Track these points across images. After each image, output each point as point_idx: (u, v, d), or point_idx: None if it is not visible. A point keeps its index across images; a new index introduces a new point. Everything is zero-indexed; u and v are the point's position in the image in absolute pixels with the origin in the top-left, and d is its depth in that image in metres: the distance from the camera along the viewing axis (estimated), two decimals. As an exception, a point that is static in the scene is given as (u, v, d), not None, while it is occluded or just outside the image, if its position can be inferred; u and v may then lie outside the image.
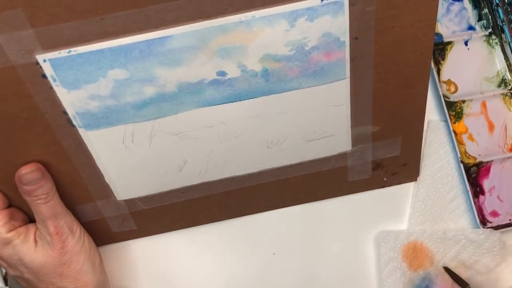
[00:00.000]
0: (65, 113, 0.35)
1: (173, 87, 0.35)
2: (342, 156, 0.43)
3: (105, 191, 0.41)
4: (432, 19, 0.35)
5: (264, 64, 0.35)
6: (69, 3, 0.30)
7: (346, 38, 0.34)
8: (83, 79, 0.33)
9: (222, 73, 0.35)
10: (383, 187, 0.47)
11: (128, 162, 0.39)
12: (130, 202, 0.43)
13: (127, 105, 0.35)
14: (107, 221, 0.44)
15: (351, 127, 0.41)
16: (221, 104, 0.37)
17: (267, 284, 0.46)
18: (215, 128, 0.38)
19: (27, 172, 0.37)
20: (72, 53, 0.32)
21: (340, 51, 0.35)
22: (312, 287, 0.46)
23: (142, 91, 0.35)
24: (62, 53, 0.32)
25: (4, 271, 0.48)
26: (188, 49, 0.33)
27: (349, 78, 0.37)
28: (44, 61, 0.32)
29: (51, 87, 0.33)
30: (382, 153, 0.44)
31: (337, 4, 0.32)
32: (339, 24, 0.33)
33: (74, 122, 0.36)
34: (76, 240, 0.40)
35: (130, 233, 0.46)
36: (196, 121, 0.37)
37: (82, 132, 0.36)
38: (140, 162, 0.39)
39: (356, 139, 0.42)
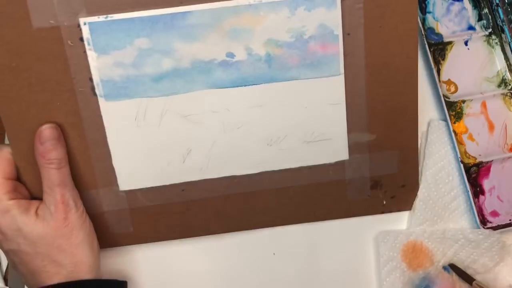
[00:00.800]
0: (90, 79, 0.40)
1: (187, 62, 0.40)
2: (340, 166, 0.45)
3: (109, 177, 0.43)
4: (414, 22, 0.40)
5: (267, 49, 0.40)
6: (115, -27, 0.37)
7: (339, 32, 0.40)
8: (112, 45, 0.39)
9: (230, 55, 0.40)
10: (382, 212, 0.46)
11: (136, 144, 0.42)
12: (131, 194, 0.44)
13: (146, 77, 0.40)
14: (105, 217, 0.44)
15: (348, 132, 0.43)
16: (228, 87, 0.41)
17: (267, 284, 0.46)
18: (221, 114, 0.42)
19: (47, 128, 0.40)
20: (108, 19, 0.38)
21: (334, 44, 0.41)
22: (311, 287, 0.46)
23: (161, 63, 0.40)
24: (101, 18, 0.38)
25: (4, 270, 0.47)
26: (204, 26, 0.39)
27: (343, 75, 0.42)
28: (85, 24, 0.38)
29: (84, 51, 0.39)
30: (380, 168, 0.45)
31: (331, -2, 0.39)
32: (332, 17, 0.40)
33: (96, 90, 0.40)
34: (79, 215, 0.41)
35: (125, 237, 0.45)
36: (204, 103, 0.41)
37: (102, 102, 0.41)
38: (148, 144, 0.42)
39: (353, 148, 0.44)
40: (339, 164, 0.45)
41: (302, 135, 0.43)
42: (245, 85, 0.41)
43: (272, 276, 0.46)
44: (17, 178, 0.42)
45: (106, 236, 0.45)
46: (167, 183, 0.44)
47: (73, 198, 0.41)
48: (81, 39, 0.39)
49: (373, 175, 0.45)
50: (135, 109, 0.41)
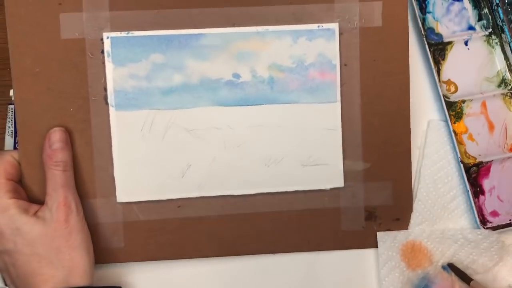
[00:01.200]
0: (104, 89, 0.43)
1: (196, 79, 0.43)
2: (335, 194, 0.45)
3: (108, 187, 0.44)
4: (405, 58, 0.44)
5: (271, 72, 0.44)
6: (139, -4, 0.43)
7: (337, 62, 0.44)
8: (129, 58, 0.43)
9: (236, 76, 0.44)
10: (377, 246, 0.46)
11: (139, 155, 0.44)
12: (127, 207, 0.44)
13: (156, 89, 0.43)
14: (98, 229, 0.44)
15: (343, 158, 0.45)
16: (232, 106, 0.44)
17: (267, 284, 0.46)
18: (223, 131, 0.44)
19: (57, 130, 0.42)
20: (129, 34, 0.43)
21: (332, 73, 0.44)
22: (311, 286, 0.46)
23: (172, 77, 0.43)
24: (122, 33, 0.43)
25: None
26: (215, 47, 0.43)
27: (340, 103, 0.44)
28: (107, 38, 0.43)
29: (103, 62, 0.43)
30: (374, 198, 0.45)
31: (330, 31, 0.44)
32: (331, 48, 0.44)
33: (108, 100, 0.43)
34: (79, 219, 0.41)
35: (115, 254, 0.45)
36: (208, 119, 0.44)
37: (112, 111, 0.43)
38: (150, 156, 0.44)
39: (348, 175, 0.45)
40: (334, 192, 0.45)
41: (299, 157, 0.45)
42: (248, 105, 0.44)
43: (272, 276, 0.46)
44: (19, 182, 0.43)
45: (96, 251, 0.44)
46: (164, 197, 0.45)
47: (75, 202, 0.42)
48: (102, 52, 0.43)
49: (368, 205, 0.46)
50: (142, 119, 0.43)
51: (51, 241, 0.40)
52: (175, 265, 0.46)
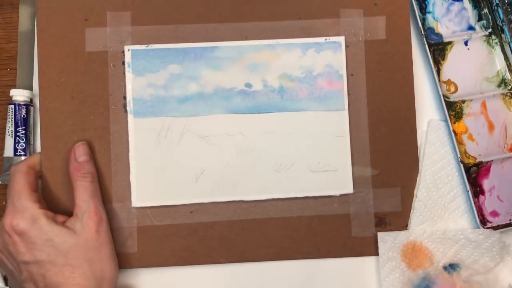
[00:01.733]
0: (124, 98, 0.46)
1: (210, 88, 0.46)
2: (345, 200, 0.46)
3: (124, 192, 0.45)
4: (409, 69, 0.47)
5: (281, 82, 0.46)
6: (158, 13, 0.46)
7: (343, 72, 0.46)
8: (148, 68, 0.46)
9: (248, 85, 0.46)
10: (388, 253, 0.46)
11: (155, 160, 0.45)
12: (141, 212, 0.45)
13: (172, 98, 0.46)
14: (113, 234, 0.45)
15: (352, 165, 0.46)
16: (244, 113, 0.46)
17: (267, 284, 0.46)
18: (235, 137, 0.46)
19: (81, 144, 0.44)
20: (149, 47, 0.46)
21: (339, 82, 0.46)
22: (311, 286, 0.46)
23: (187, 86, 0.46)
24: (142, 46, 0.46)
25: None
26: (228, 59, 0.46)
27: (347, 111, 0.46)
28: (128, 50, 0.46)
29: (123, 72, 0.46)
30: (384, 205, 0.46)
31: (336, 44, 0.46)
32: (338, 60, 0.46)
33: (127, 107, 0.46)
34: (107, 230, 0.43)
35: (129, 259, 0.45)
36: (222, 126, 0.46)
37: (130, 118, 0.46)
38: (165, 161, 0.45)
39: (357, 181, 0.46)
40: (344, 198, 0.46)
41: (308, 163, 0.46)
42: (259, 112, 0.46)
43: (272, 276, 0.46)
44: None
45: (110, 255, 0.45)
46: (178, 203, 0.46)
47: (104, 213, 0.43)
48: (123, 63, 0.46)
49: (377, 211, 0.46)
50: (159, 126, 0.46)
51: (84, 253, 0.40)
52: (183, 269, 0.46)
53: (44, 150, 0.45)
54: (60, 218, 0.42)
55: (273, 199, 0.46)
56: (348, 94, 0.46)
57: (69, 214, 0.43)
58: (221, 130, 0.46)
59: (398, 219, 0.46)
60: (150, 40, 0.46)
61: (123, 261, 0.45)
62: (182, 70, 0.46)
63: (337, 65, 0.46)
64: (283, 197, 0.46)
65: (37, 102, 0.47)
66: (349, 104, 0.46)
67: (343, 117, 0.46)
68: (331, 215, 0.46)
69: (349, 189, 0.46)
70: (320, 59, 0.46)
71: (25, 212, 0.40)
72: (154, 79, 0.46)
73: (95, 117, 0.46)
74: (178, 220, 0.46)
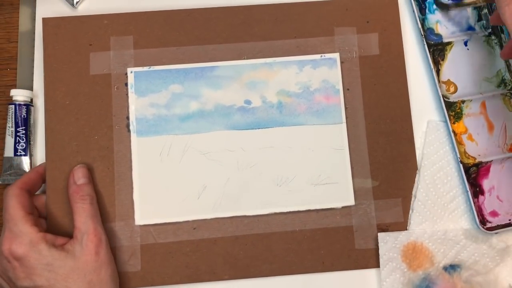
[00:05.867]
0: (127, 118, 0.47)
1: (211, 106, 0.47)
2: (347, 212, 0.46)
3: (127, 210, 0.46)
4: (404, 81, 0.48)
5: (279, 98, 0.47)
6: (159, 36, 0.48)
7: (340, 87, 0.48)
8: (150, 89, 0.47)
9: (248, 102, 0.47)
10: (393, 264, 0.45)
11: (157, 178, 0.46)
12: (144, 230, 0.46)
13: (174, 116, 0.47)
14: (116, 253, 0.45)
15: (352, 177, 0.47)
16: (244, 129, 0.47)
17: (267, 284, 0.45)
18: (236, 153, 0.47)
19: (80, 167, 0.45)
20: (150, 69, 0.47)
21: (336, 96, 0.47)
22: (311, 286, 0.45)
23: (189, 105, 0.47)
24: (145, 68, 0.48)
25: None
26: (228, 78, 0.47)
27: (345, 124, 0.47)
28: (131, 72, 0.47)
29: (127, 94, 0.47)
30: (386, 216, 0.46)
31: (332, 60, 0.48)
32: (334, 75, 0.48)
33: (131, 127, 0.47)
34: (107, 250, 0.43)
35: (132, 278, 0.45)
36: (222, 142, 0.47)
37: (133, 137, 0.47)
38: (168, 179, 0.46)
39: (358, 193, 0.46)
40: (346, 210, 0.46)
41: (309, 177, 0.47)
42: (259, 128, 0.47)
43: (272, 276, 0.45)
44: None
45: (114, 275, 0.45)
46: (181, 219, 0.46)
47: (104, 234, 0.43)
48: (126, 84, 0.47)
49: (380, 222, 0.46)
50: (161, 144, 0.47)
51: (83, 276, 0.40)
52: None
53: (49, 171, 0.46)
54: (60, 240, 0.42)
55: (275, 213, 0.46)
56: (346, 108, 0.48)
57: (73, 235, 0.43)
58: (222, 146, 0.47)
59: (400, 230, 0.46)
60: (152, 62, 0.48)
61: (127, 280, 0.45)
62: (183, 89, 0.47)
63: (333, 80, 0.48)
64: (285, 210, 0.46)
65: (37, 102, 0.48)
66: (346, 117, 0.48)
67: (342, 130, 0.47)
68: (333, 227, 0.46)
69: (350, 201, 0.47)
70: (317, 75, 0.48)
71: (23, 237, 0.40)
72: (156, 99, 0.47)
73: (99, 138, 0.47)
74: (181, 237, 0.46)
